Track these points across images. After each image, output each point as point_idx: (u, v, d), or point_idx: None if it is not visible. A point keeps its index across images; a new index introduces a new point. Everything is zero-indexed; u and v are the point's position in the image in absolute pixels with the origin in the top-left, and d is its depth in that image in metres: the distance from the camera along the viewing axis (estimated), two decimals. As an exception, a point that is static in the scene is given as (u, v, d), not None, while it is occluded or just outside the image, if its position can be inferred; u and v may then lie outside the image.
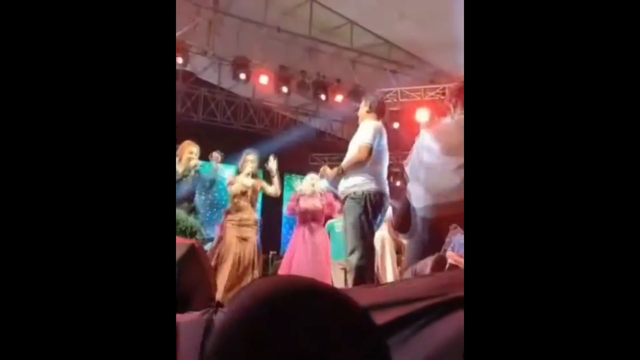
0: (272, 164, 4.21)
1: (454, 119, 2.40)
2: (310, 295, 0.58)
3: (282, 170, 4.58)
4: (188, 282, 2.06)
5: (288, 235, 7.50)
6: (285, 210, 4.53)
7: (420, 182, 2.25)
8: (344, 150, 3.30)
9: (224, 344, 0.55)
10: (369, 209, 2.95)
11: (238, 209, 4.04)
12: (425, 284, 1.02)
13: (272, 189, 4.21)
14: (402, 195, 2.48)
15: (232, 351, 0.54)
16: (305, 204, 4.45)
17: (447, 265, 1.49)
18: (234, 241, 3.91)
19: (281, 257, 5.50)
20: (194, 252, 2.28)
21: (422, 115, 7.57)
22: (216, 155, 3.99)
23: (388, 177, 3.20)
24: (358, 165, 3.02)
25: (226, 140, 8.07)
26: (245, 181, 4.08)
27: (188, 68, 7.34)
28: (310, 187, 4.51)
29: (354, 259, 2.97)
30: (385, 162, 3.14)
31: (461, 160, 1.91)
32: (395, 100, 7.95)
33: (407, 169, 2.49)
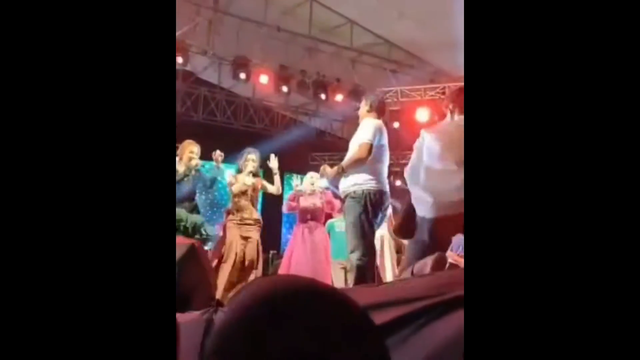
0: (273, 162, 4.21)
1: (453, 120, 2.40)
2: (310, 294, 0.58)
3: (282, 170, 4.58)
4: (188, 282, 2.07)
5: (288, 234, 7.50)
6: (284, 208, 4.51)
7: (421, 183, 2.22)
8: (344, 149, 3.30)
9: (223, 343, 0.55)
10: (369, 208, 2.95)
11: (239, 209, 4.02)
12: (424, 284, 1.02)
13: (274, 188, 4.20)
14: (403, 198, 2.44)
15: (231, 350, 0.54)
16: (305, 202, 4.45)
17: (447, 265, 1.49)
18: (235, 240, 3.89)
19: (281, 257, 5.50)
20: (194, 252, 2.28)
21: (422, 114, 7.58)
22: (217, 155, 3.98)
23: (388, 177, 3.19)
24: (358, 163, 3.01)
25: (226, 140, 8.07)
26: (246, 180, 4.07)
27: (188, 68, 7.34)
28: (310, 186, 4.51)
29: (354, 258, 2.97)
30: (386, 161, 3.14)
31: (462, 160, 1.90)
32: (395, 99, 7.95)
33: (407, 173, 2.44)
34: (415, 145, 2.36)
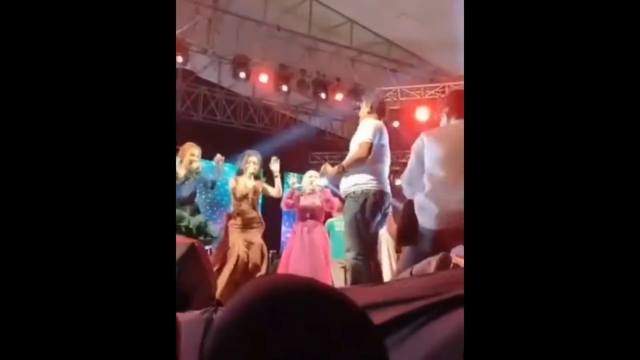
0: (275, 165, 4.21)
1: (450, 123, 2.36)
2: (309, 294, 0.58)
3: (283, 170, 4.58)
4: (188, 281, 2.07)
5: (288, 233, 7.50)
6: (282, 205, 4.51)
7: (425, 191, 2.14)
8: (344, 148, 3.30)
9: (222, 342, 0.55)
10: (367, 208, 2.94)
11: (240, 212, 4.01)
12: (422, 284, 1.02)
13: (275, 191, 4.20)
14: (404, 199, 2.38)
15: (230, 349, 0.54)
16: (304, 201, 4.45)
17: (452, 265, 1.48)
18: (238, 244, 3.86)
19: (280, 256, 5.50)
20: (193, 252, 2.28)
21: (422, 114, 7.57)
22: (218, 158, 3.97)
23: (388, 176, 3.18)
24: (359, 163, 3.01)
25: (226, 139, 8.07)
26: (247, 183, 4.05)
27: (188, 67, 7.34)
28: (309, 185, 4.51)
29: (349, 257, 2.98)
30: (387, 161, 3.13)
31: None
32: (395, 99, 7.95)
33: (404, 177, 2.39)
34: (414, 149, 2.30)
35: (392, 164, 3.24)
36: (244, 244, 3.87)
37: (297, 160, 8.51)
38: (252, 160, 4.10)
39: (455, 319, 0.81)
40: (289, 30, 7.14)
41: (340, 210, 4.13)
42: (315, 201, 4.45)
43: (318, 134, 9.54)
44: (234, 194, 4.05)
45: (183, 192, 3.68)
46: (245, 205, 4.00)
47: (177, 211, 3.51)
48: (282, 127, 9.06)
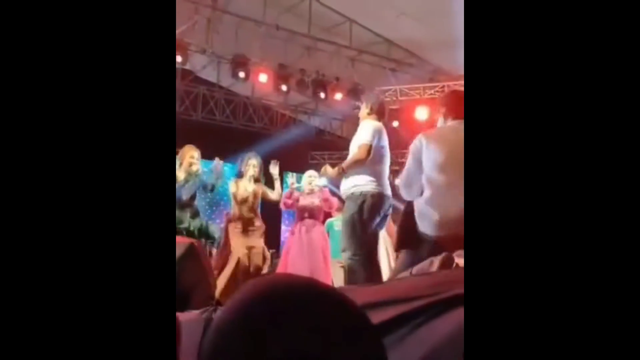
0: (274, 168, 4.22)
1: (447, 124, 2.34)
2: (308, 294, 0.58)
3: (282, 169, 4.58)
4: (187, 281, 2.07)
5: (287, 233, 7.50)
6: (281, 204, 4.52)
7: (425, 197, 2.09)
8: (343, 148, 3.31)
9: (221, 341, 0.56)
10: (365, 209, 2.93)
11: (241, 216, 4.01)
12: (422, 283, 1.02)
13: (274, 194, 4.21)
14: (404, 206, 2.34)
15: (229, 348, 0.54)
16: (303, 201, 4.45)
17: (455, 265, 1.48)
18: (239, 250, 3.87)
19: (280, 256, 5.51)
20: (193, 251, 2.28)
21: (421, 113, 7.58)
22: (216, 162, 3.97)
23: (388, 177, 3.18)
24: (358, 164, 3.01)
25: (225, 139, 8.09)
26: (247, 186, 4.06)
27: (187, 66, 7.33)
28: (308, 185, 4.52)
29: (345, 257, 2.99)
30: (387, 162, 3.13)
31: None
32: (395, 98, 7.96)
33: (402, 180, 2.34)
34: (412, 150, 2.26)
35: (391, 164, 3.24)
36: (245, 249, 3.86)
37: (296, 159, 8.51)
38: (252, 163, 4.10)
39: (455, 318, 0.81)
40: (288, 29, 7.14)
41: (339, 210, 4.14)
42: (314, 201, 4.45)
43: (317, 134, 9.55)
44: (235, 198, 4.04)
45: (183, 194, 3.68)
46: (245, 209, 4.00)
47: (178, 214, 3.51)
48: (282, 126, 9.07)
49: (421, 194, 2.21)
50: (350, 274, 2.94)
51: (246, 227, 3.98)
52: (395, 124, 7.73)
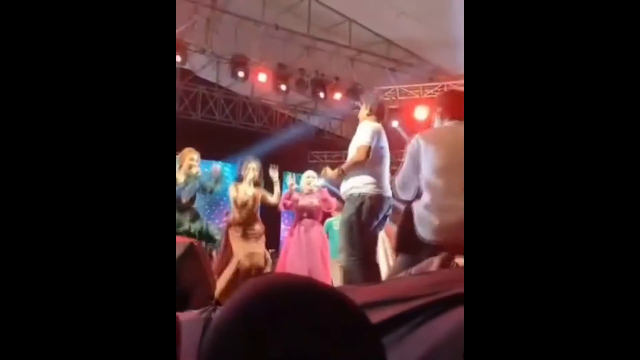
0: (274, 173, 4.25)
1: (444, 125, 2.32)
2: (307, 293, 0.58)
3: (281, 169, 4.58)
4: (187, 281, 2.07)
5: (286, 232, 7.49)
6: (280, 205, 4.52)
7: (424, 201, 2.05)
8: (342, 148, 3.31)
9: (220, 341, 0.55)
10: (363, 211, 2.92)
11: (241, 221, 4.03)
12: (420, 282, 1.02)
13: (274, 198, 4.23)
14: (402, 210, 2.30)
15: (228, 348, 0.54)
16: (301, 201, 4.44)
17: (454, 265, 1.47)
18: (240, 253, 3.88)
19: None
20: (192, 251, 2.28)
21: (420, 113, 7.57)
22: (215, 168, 3.99)
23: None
24: (357, 166, 3.01)
25: (225, 139, 8.09)
26: (247, 190, 4.08)
27: (186, 66, 7.33)
28: (307, 185, 4.51)
29: (341, 258, 2.99)
30: (387, 163, 3.11)
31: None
32: (394, 98, 7.95)
33: (398, 183, 2.32)
34: (409, 151, 2.23)
35: (390, 164, 3.24)
36: (246, 256, 3.88)
37: (295, 159, 8.51)
38: (251, 167, 4.13)
39: (454, 318, 0.81)
40: (288, 29, 7.14)
41: (339, 209, 4.13)
42: (312, 201, 4.44)
43: (317, 133, 9.54)
44: (235, 203, 4.06)
45: (182, 197, 3.69)
46: (245, 213, 4.02)
47: (177, 217, 3.51)
48: (281, 126, 9.06)
49: (418, 195, 2.19)
50: (348, 275, 2.93)
51: (246, 231, 4.00)
52: (395, 123, 7.72)
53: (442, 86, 7.54)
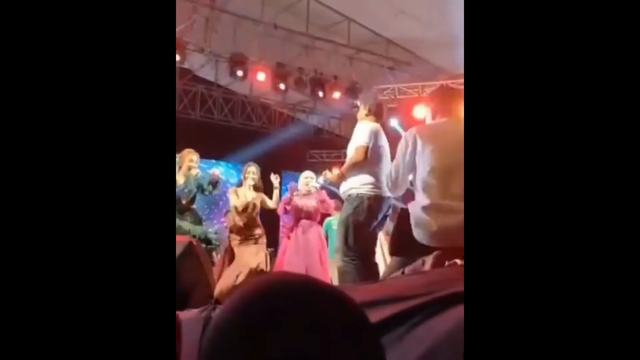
0: (275, 180, 4.29)
1: (436, 122, 2.29)
2: (307, 291, 0.58)
3: (280, 168, 4.60)
4: (186, 280, 2.07)
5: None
6: (279, 209, 4.52)
7: (421, 203, 1.99)
8: (341, 147, 3.31)
9: (219, 339, 0.56)
10: (361, 212, 2.91)
11: (241, 226, 4.06)
12: (416, 282, 1.02)
13: (273, 203, 4.28)
14: (398, 212, 2.25)
15: (227, 346, 0.54)
16: (299, 202, 4.42)
17: (449, 263, 1.46)
18: (242, 257, 3.92)
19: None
20: (192, 250, 2.28)
21: (419, 112, 7.56)
22: (214, 172, 4.01)
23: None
24: (356, 167, 3.00)
25: (223, 138, 8.08)
26: (247, 194, 4.11)
27: (185, 65, 7.32)
28: (305, 186, 4.49)
29: (337, 258, 2.99)
30: (386, 163, 3.10)
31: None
32: (393, 97, 7.94)
33: (392, 182, 2.26)
34: (405, 145, 2.16)
35: (391, 164, 3.23)
36: (248, 259, 3.89)
37: (294, 158, 8.50)
38: (251, 171, 4.19)
39: (452, 317, 0.81)
40: (286, 28, 7.13)
41: (338, 209, 4.13)
42: (311, 202, 4.42)
43: (315, 132, 9.53)
44: (235, 208, 4.09)
45: (182, 198, 3.70)
46: (246, 218, 4.05)
47: (178, 221, 3.52)
48: (280, 125, 9.06)
49: (413, 196, 2.14)
50: (343, 275, 2.93)
51: (247, 236, 4.05)
52: (394, 122, 7.72)
53: (441, 85, 7.53)
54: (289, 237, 4.45)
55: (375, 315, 0.85)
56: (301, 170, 4.86)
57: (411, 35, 7.15)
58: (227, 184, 5.43)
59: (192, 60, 7.50)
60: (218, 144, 7.60)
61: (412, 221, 2.02)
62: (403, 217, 2.11)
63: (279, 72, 7.42)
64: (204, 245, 3.49)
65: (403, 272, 1.45)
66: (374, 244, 3.15)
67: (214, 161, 7.99)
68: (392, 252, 2.38)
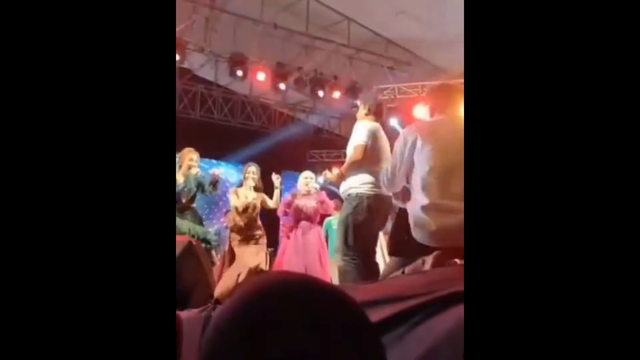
0: (276, 180, 4.30)
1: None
2: (307, 290, 0.58)
3: (280, 168, 4.60)
4: (186, 280, 2.07)
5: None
6: (278, 211, 4.51)
7: (420, 202, 1.96)
8: (341, 146, 3.31)
9: (219, 339, 0.56)
10: (360, 211, 2.91)
11: (241, 226, 4.07)
12: (416, 281, 1.02)
13: (273, 203, 4.29)
14: (405, 198, 2.23)
15: (226, 346, 0.54)
16: (299, 202, 4.42)
17: (451, 263, 1.46)
18: (242, 257, 3.93)
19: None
20: (191, 250, 2.28)
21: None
22: (214, 173, 4.02)
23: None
24: (354, 166, 3.00)
25: (223, 137, 8.08)
26: (247, 194, 4.12)
27: (185, 65, 7.32)
28: (305, 186, 4.48)
29: (337, 258, 2.99)
30: (386, 163, 3.10)
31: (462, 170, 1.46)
32: (393, 97, 7.94)
33: (387, 172, 2.23)
34: (402, 145, 2.12)
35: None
36: (248, 260, 3.91)
37: (294, 158, 8.50)
38: (251, 171, 4.21)
39: (453, 316, 0.81)
40: (286, 28, 7.12)
41: (337, 208, 4.13)
42: (310, 203, 4.41)
43: (315, 132, 9.53)
44: (235, 208, 4.11)
45: (182, 197, 3.70)
46: (246, 218, 4.06)
47: (177, 220, 3.53)
48: (280, 125, 9.06)
49: (410, 196, 2.13)
50: (343, 275, 2.92)
51: (247, 236, 4.06)
52: (394, 122, 7.72)
53: (440, 82, 7.51)
54: (288, 237, 4.45)
55: (375, 315, 0.85)
56: (301, 170, 4.85)
57: (411, 35, 7.15)
58: (227, 183, 5.44)
59: (192, 60, 7.50)
60: (218, 144, 7.60)
61: (411, 221, 2.00)
62: (402, 217, 2.09)
63: (279, 72, 7.42)
64: (203, 245, 3.50)
65: (403, 272, 1.44)
66: (375, 244, 3.14)
67: (214, 161, 7.99)
68: (391, 253, 2.36)
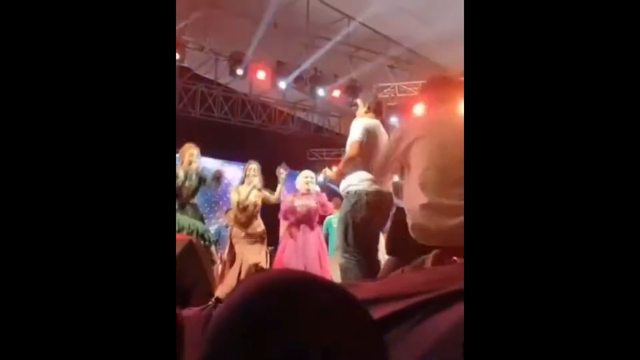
0: (281, 175, 4.33)
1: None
2: (308, 288, 0.58)
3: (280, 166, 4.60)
4: (186, 278, 2.07)
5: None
6: (279, 216, 4.50)
7: (417, 202, 1.92)
8: (341, 145, 3.31)
9: (219, 337, 0.56)
10: (359, 208, 2.90)
11: (242, 223, 4.09)
12: (416, 279, 1.02)
13: (274, 198, 4.30)
14: (394, 211, 2.19)
15: (227, 343, 0.54)
16: (298, 202, 4.40)
17: (451, 261, 1.45)
18: (243, 255, 3.95)
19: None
20: (192, 248, 2.28)
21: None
22: (218, 170, 4.03)
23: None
24: (351, 163, 2.99)
25: (224, 136, 8.08)
26: (249, 192, 4.13)
27: (185, 63, 7.32)
28: (305, 185, 4.47)
29: (337, 255, 2.99)
30: None
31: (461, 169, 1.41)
32: (393, 95, 7.94)
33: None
34: (400, 141, 2.07)
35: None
36: (249, 257, 3.92)
37: (294, 157, 8.50)
38: (252, 168, 4.22)
39: (456, 314, 0.81)
40: (286, 27, 7.12)
41: (339, 207, 4.13)
42: (309, 203, 4.40)
43: (315, 131, 9.53)
44: (237, 205, 4.11)
45: (183, 192, 3.70)
46: (247, 215, 4.06)
47: (178, 215, 3.53)
48: (280, 123, 9.05)
49: (405, 195, 2.09)
50: (344, 273, 2.92)
51: (248, 234, 4.08)
52: (394, 121, 7.72)
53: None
54: (291, 235, 4.43)
55: (377, 313, 0.85)
56: (301, 169, 4.85)
57: (411, 34, 7.14)
58: (230, 185, 5.45)
59: (192, 58, 7.50)
60: (218, 142, 7.59)
61: (409, 220, 1.97)
62: (399, 216, 2.06)
63: (279, 71, 7.42)
64: (202, 242, 3.51)
65: (402, 271, 1.43)
66: (377, 241, 3.12)
67: (220, 161, 7.97)
68: (389, 252, 2.35)
